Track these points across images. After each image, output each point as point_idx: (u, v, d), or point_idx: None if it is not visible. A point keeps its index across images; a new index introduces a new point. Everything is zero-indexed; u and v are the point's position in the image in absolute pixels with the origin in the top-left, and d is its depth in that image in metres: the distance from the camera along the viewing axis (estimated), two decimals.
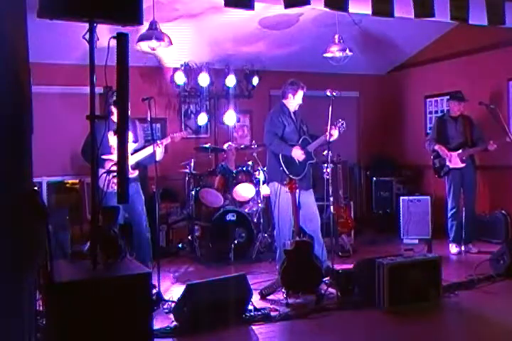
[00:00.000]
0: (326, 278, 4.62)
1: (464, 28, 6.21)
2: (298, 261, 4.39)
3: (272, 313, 4.05)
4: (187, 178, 6.45)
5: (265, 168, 5.67)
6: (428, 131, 7.45)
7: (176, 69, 6.93)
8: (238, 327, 3.85)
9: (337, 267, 4.63)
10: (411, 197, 6.82)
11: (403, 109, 8.28)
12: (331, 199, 5.33)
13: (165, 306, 4.19)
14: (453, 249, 6.11)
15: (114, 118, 3.60)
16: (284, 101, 5.11)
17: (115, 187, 2.79)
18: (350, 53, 5.90)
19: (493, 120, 5.91)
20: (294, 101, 5.07)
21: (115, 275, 2.67)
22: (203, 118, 7.14)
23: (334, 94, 4.78)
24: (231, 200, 6.22)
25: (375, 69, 8.29)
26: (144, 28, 4.98)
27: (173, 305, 4.05)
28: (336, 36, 5.90)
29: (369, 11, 4.20)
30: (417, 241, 6.60)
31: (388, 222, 7.36)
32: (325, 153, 4.96)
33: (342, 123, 4.96)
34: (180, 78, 6.85)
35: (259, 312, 4.03)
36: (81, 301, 2.46)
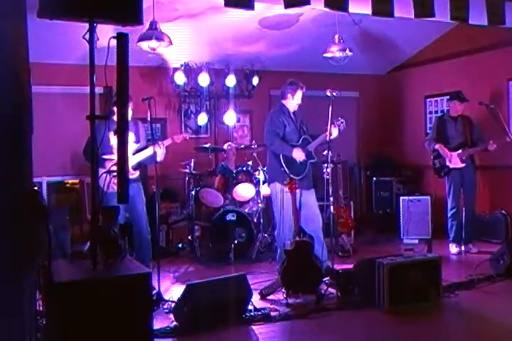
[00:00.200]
0: (326, 278, 4.62)
1: (463, 28, 6.20)
2: (298, 261, 4.39)
3: (272, 313, 4.05)
4: (187, 178, 6.45)
5: (265, 168, 5.68)
6: (428, 131, 7.46)
7: (175, 69, 6.92)
8: (238, 327, 3.85)
9: (337, 267, 4.64)
10: (411, 197, 6.82)
11: (403, 109, 8.28)
12: (331, 199, 5.33)
13: (165, 306, 4.19)
14: (453, 249, 6.10)
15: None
16: (284, 101, 5.10)
17: (115, 188, 2.79)
18: (350, 53, 5.90)
19: (493, 120, 5.91)
20: (293, 102, 5.06)
21: (115, 276, 2.67)
22: (203, 118, 7.14)
23: (334, 94, 4.77)
24: (231, 200, 6.22)
25: (375, 69, 8.29)
26: (144, 28, 4.98)
27: (173, 305, 4.04)
28: (336, 36, 5.89)
29: (369, 11, 4.20)
30: (417, 241, 6.60)
31: (388, 222, 7.36)
32: (325, 152, 4.97)
33: (342, 122, 4.97)
34: (180, 78, 6.85)
35: (259, 312, 4.03)
36: (81, 301, 2.46)
